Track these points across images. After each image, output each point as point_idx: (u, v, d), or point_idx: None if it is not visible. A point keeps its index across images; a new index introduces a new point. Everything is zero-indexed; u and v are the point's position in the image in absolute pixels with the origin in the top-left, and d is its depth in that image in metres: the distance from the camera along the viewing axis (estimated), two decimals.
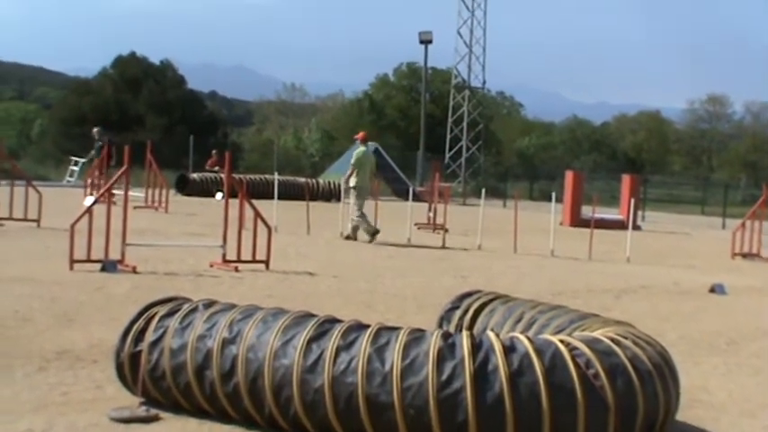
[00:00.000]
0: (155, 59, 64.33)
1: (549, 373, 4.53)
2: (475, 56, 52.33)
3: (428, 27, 50.34)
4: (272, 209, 17.64)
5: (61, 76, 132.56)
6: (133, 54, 64.08)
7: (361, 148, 18.13)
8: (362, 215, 17.46)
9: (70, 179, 35.74)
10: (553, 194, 19.36)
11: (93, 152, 25.82)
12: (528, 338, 4.75)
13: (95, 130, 26.84)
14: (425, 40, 47.09)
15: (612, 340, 4.85)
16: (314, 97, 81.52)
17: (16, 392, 5.65)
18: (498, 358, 4.57)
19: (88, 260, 11.34)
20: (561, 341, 4.74)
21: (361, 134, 18.97)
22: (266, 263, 12.38)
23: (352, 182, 17.79)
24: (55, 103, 70.48)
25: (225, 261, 12.30)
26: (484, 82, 53.42)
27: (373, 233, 17.39)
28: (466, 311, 6.47)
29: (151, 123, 56.82)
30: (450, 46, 52.90)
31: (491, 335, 4.80)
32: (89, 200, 19.75)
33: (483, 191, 20.41)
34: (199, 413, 5.25)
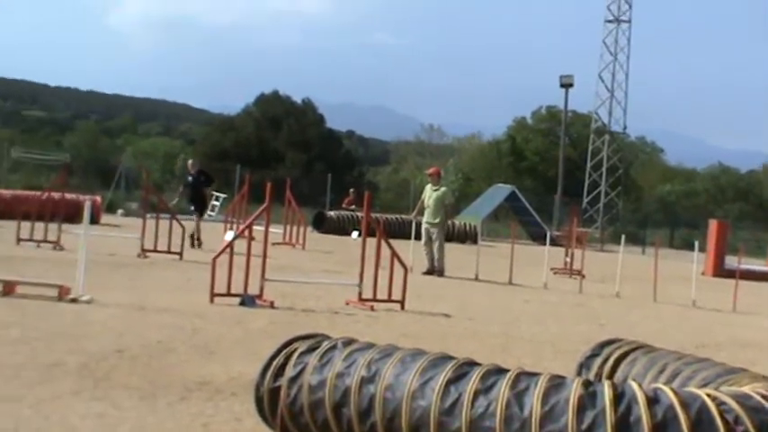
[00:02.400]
0: (296, 97, 65.78)
1: (695, 428, 4.36)
2: (616, 100, 51.84)
3: (569, 71, 49.96)
4: (407, 249, 17.70)
5: (205, 113, 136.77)
6: (276, 93, 65.65)
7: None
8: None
9: (211, 213, 36.66)
10: (696, 243, 18.87)
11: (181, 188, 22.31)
12: (672, 390, 4.61)
13: (190, 161, 22.86)
14: (566, 84, 46.78)
15: (764, 397, 4.66)
16: (451, 138, 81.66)
17: (160, 421, 5.79)
18: (641, 409, 4.44)
19: (228, 294, 11.58)
20: (708, 395, 4.57)
21: (435, 169, 19.55)
22: (402, 303, 12.40)
23: (439, 219, 18.44)
24: (198, 139, 72.56)
25: (361, 299, 12.37)
26: (625, 127, 52.77)
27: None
28: (606, 360, 6.32)
29: (290, 161, 57.95)
30: (591, 90, 52.55)
31: (634, 385, 4.67)
32: (230, 234, 20.21)
33: (623, 237, 20.02)
34: None
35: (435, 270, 18.08)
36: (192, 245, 19.28)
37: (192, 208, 21.15)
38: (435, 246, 18.21)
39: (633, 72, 53.15)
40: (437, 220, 18.29)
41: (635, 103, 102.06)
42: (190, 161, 22.72)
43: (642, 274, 20.10)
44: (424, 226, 18.49)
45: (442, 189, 18.68)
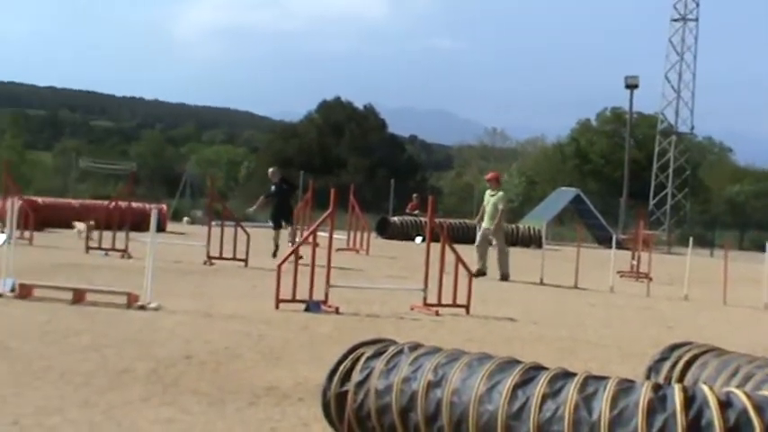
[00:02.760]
0: (357, 103, 66.02)
1: None
2: (683, 100, 51.14)
3: (634, 71, 49.19)
4: (471, 253, 17.63)
5: (267, 121, 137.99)
6: (338, 99, 65.97)
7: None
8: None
9: None
10: (767, 244, 18.50)
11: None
12: (746, 394, 4.52)
13: (271, 170, 21.28)
14: (631, 85, 46.30)
15: None
16: (515, 142, 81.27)
17: (229, 426, 5.84)
18: (713, 413, 4.36)
19: (293, 300, 11.65)
20: None
21: (493, 174, 19.55)
22: (467, 307, 12.36)
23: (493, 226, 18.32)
24: (261, 146, 73.13)
25: (425, 304, 12.36)
26: (692, 127, 52.03)
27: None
28: (676, 363, 6.23)
29: (353, 167, 58.12)
30: (657, 90, 51.93)
31: (705, 388, 4.60)
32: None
33: (690, 239, 19.74)
34: None
35: (501, 275, 17.99)
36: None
37: (279, 221, 20.46)
38: (497, 250, 18.20)
39: (700, 71, 52.41)
40: (493, 226, 18.21)
41: (702, 103, 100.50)
42: (271, 170, 21.39)
43: (711, 276, 19.80)
44: (482, 230, 18.46)
45: (499, 194, 18.60)
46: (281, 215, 20.51)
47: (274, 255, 18.83)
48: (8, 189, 19.41)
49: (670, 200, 50.38)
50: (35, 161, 55.01)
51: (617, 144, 61.74)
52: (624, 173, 47.24)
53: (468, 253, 16.74)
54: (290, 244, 19.65)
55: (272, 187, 20.77)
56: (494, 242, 18.22)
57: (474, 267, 16.20)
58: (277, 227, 20.33)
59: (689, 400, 4.45)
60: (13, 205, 12.62)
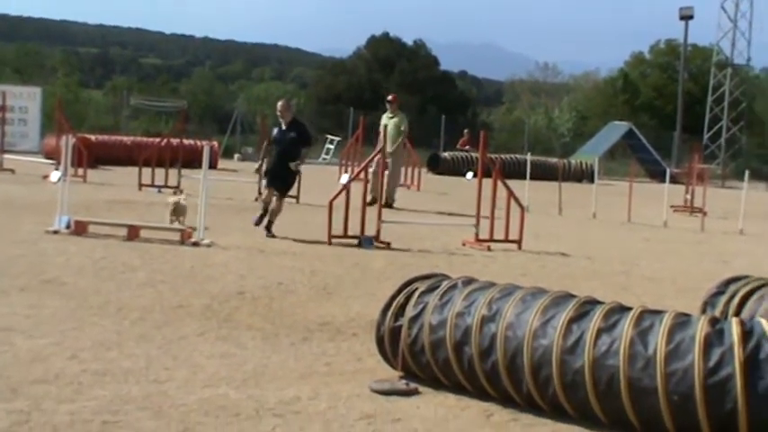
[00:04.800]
0: (407, 39, 65.52)
1: None
2: (740, 31, 49.98)
3: (689, 2, 47.99)
4: (523, 189, 17.53)
5: (317, 57, 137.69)
6: (386, 35, 65.51)
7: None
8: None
9: (326, 157, 36.89)
10: None
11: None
12: None
13: (281, 103, 13.25)
14: (686, 16, 45.36)
15: None
16: (567, 76, 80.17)
17: (283, 360, 5.90)
18: None
19: (345, 236, 11.68)
20: None
21: (393, 96, 18.83)
22: (518, 242, 12.32)
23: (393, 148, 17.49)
24: (311, 82, 73.00)
25: (477, 240, 12.33)
26: (749, 59, 50.92)
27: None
28: (732, 297, 6.18)
29: (403, 103, 57.86)
30: (713, 21, 50.72)
31: (763, 322, 4.55)
32: (345, 177, 20.31)
33: (746, 173, 19.43)
34: (457, 389, 5.29)
35: (386, 201, 16.25)
36: (269, 230, 12.26)
37: (274, 179, 12.61)
38: (388, 174, 17.22)
39: (758, 0, 50.92)
40: (393, 149, 17.45)
41: (759, 34, 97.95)
42: (280, 102, 13.37)
43: (767, 210, 19.52)
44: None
45: (401, 115, 18.03)
46: (280, 173, 12.64)
47: (259, 221, 12.42)
48: (62, 127, 19.55)
49: (725, 133, 49.49)
50: (88, 99, 55.26)
51: (670, 77, 60.70)
52: (678, 106, 46.49)
53: (520, 188, 16.63)
54: (260, 224, 12.42)
55: (274, 130, 13.28)
56: (390, 166, 17.28)
57: (525, 204, 16.07)
58: (270, 185, 12.70)
59: (746, 333, 4.42)
60: (67, 143, 12.71)
